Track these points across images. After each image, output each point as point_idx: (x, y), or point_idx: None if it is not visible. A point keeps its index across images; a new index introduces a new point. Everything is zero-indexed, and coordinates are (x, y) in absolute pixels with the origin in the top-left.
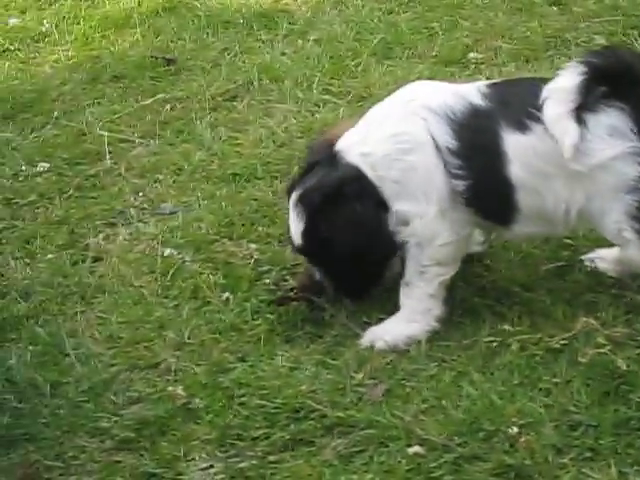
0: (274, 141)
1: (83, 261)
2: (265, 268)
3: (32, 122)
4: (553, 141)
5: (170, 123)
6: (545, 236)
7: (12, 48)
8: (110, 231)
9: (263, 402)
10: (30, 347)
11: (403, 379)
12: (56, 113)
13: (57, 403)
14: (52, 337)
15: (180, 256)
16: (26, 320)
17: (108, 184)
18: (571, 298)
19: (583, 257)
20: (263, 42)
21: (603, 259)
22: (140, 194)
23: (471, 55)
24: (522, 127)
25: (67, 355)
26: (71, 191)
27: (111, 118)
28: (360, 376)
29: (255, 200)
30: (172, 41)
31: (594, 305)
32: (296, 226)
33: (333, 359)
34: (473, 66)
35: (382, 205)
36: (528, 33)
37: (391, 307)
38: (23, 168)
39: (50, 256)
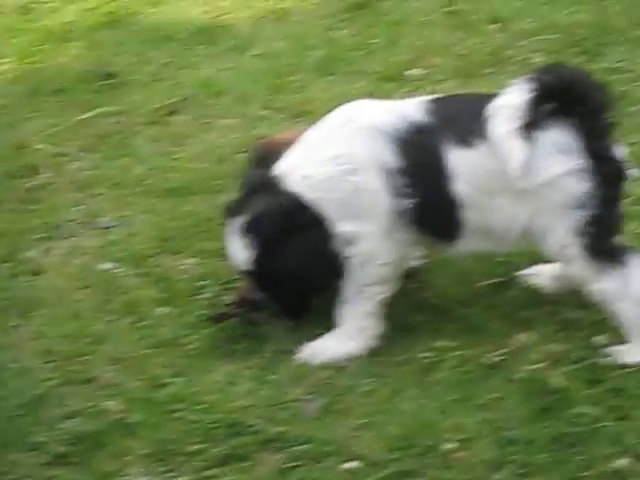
0: (213, 156)
1: (21, 274)
2: (203, 283)
3: None
4: (499, 158)
5: (109, 137)
6: (488, 253)
7: None
8: (48, 245)
9: (199, 417)
10: None
11: (339, 395)
12: None
13: None
14: None
15: (118, 270)
16: None
17: (46, 198)
18: (507, 314)
19: (519, 273)
20: (203, 57)
21: (539, 275)
22: (78, 208)
23: (410, 72)
24: (467, 144)
25: (3, 369)
26: (9, 205)
27: (50, 132)
28: (297, 391)
29: (193, 215)
30: (112, 55)
31: (529, 321)
32: (243, 252)
33: (270, 374)
34: (412, 83)
35: (329, 229)
36: (467, 50)
37: (329, 323)
38: None
39: None
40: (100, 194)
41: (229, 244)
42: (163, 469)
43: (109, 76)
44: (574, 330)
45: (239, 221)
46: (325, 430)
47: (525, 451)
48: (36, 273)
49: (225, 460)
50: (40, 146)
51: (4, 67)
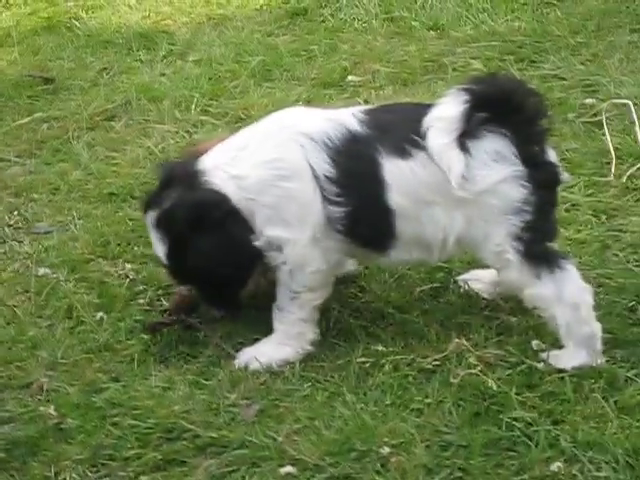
0: (151, 161)
1: None
2: (140, 288)
3: None
4: (435, 168)
5: (47, 142)
6: (419, 263)
7: None
8: None
9: (136, 422)
10: None
11: (276, 399)
12: None
13: None
14: None
15: (55, 275)
16: None
17: None
18: (444, 319)
19: (458, 278)
20: (142, 62)
21: (477, 280)
22: (15, 213)
23: (349, 78)
24: (402, 153)
25: None
26: None
27: None
28: (233, 396)
29: (131, 220)
30: (50, 60)
31: (467, 326)
32: (159, 246)
33: (207, 379)
34: (351, 89)
35: (246, 227)
36: (406, 57)
37: (265, 328)
38: None
39: None
40: (38, 199)
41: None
42: (98, 474)
43: (47, 81)
44: (510, 335)
45: (153, 214)
46: (262, 435)
47: (461, 455)
48: None
49: (162, 465)
50: None
51: None
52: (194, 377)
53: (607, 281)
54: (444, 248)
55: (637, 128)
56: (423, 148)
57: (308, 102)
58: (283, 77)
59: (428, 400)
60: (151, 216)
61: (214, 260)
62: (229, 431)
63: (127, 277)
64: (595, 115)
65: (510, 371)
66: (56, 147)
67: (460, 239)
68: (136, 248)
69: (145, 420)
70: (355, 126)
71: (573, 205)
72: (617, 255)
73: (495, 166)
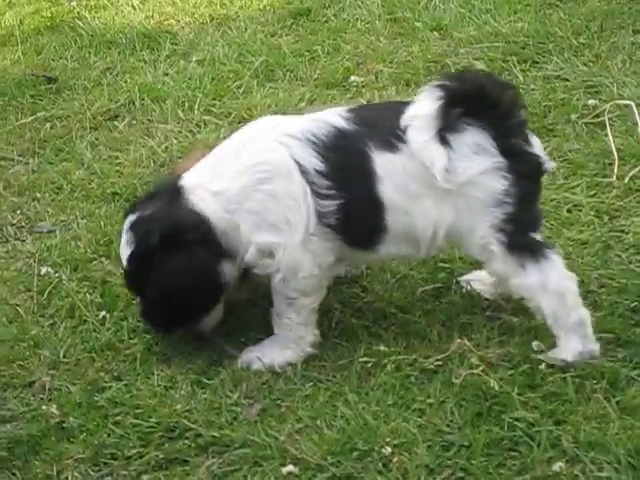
0: (154, 161)
1: None
2: None
3: None
4: (420, 163)
5: (50, 141)
6: (406, 258)
7: None
8: None
9: (138, 421)
10: None
11: (278, 399)
12: None
13: None
14: None
15: (57, 274)
16: None
17: None
18: (446, 320)
19: (459, 279)
20: (145, 62)
21: (479, 281)
22: (18, 212)
23: (352, 78)
24: (390, 147)
25: None
26: None
27: None
28: (235, 396)
29: None
30: (53, 60)
31: (469, 327)
32: (125, 249)
33: (209, 379)
34: (354, 89)
35: (217, 255)
36: (409, 58)
37: (268, 327)
38: None
39: None
40: (40, 198)
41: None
42: (100, 473)
43: (50, 80)
44: (512, 335)
45: (132, 218)
46: (264, 434)
47: (463, 455)
48: None
49: (164, 464)
50: None
51: None
52: (196, 376)
53: (609, 282)
54: (433, 242)
55: None
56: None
57: (311, 102)
58: (286, 77)
59: (430, 400)
60: (129, 219)
61: (172, 282)
62: (231, 430)
63: None
64: (598, 116)
65: (512, 371)
66: (59, 146)
67: (448, 232)
68: None
69: (147, 419)
70: (341, 123)
71: (575, 206)
72: (619, 256)
73: (476, 158)
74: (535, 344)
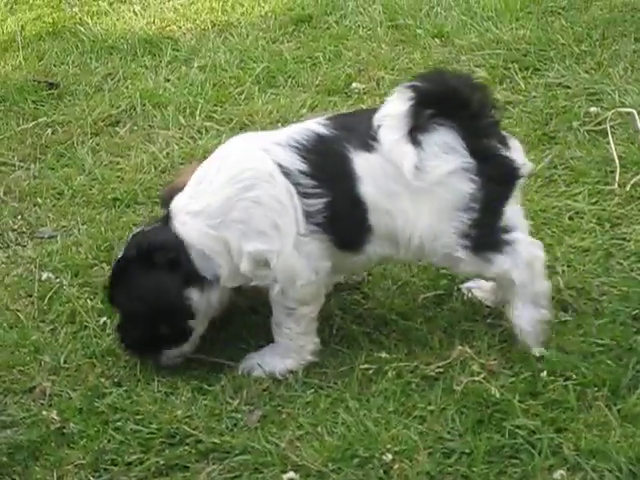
0: (156, 167)
1: None
2: None
3: None
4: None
5: (51, 147)
6: (392, 261)
7: None
8: None
9: (138, 427)
10: None
11: (279, 405)
12: None
13: None
14: None
15: (58, 280)
16: None
17: None
18: (448, 327)
19: (461, 286)
20: (147, 68)
21: (480, 288)
22: (19, 217)
23: (354, 85)
24: (368, 147)
25: None
26: None
27: None
28: (236, 402)
29: (135, 225)
30: (55, 65)
31: (470, 334)
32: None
33: (210, 385)
34: (356, 96)
35: (189, 282)
36: (411, 64)
37: (268, 333)
38: None
39: None
40: (41, 204)
41: None
42: (101, 479)
43: (52, 86)
44: (513, 343)
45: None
46: (265, 441)
47: (464, 463)
48: None
49: (164, 470)
50: None
51: None
52: (197, 382)
53: (611, 289)
54: (409, 244)
55: None
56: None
57: (312, 109)
58: (288, 84)
59: (431, 407)
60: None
61: (133, 300)
62: (232, 437)
63: None
64: (599, 124)
65: (513, 379)
66: (60, 152)
67: (420, 236)
68: None
69: (148, 425)
70: (320, 129)
71: (577, 213)
72: (621, 263)
73: (445, 157)
74: (537, 350)
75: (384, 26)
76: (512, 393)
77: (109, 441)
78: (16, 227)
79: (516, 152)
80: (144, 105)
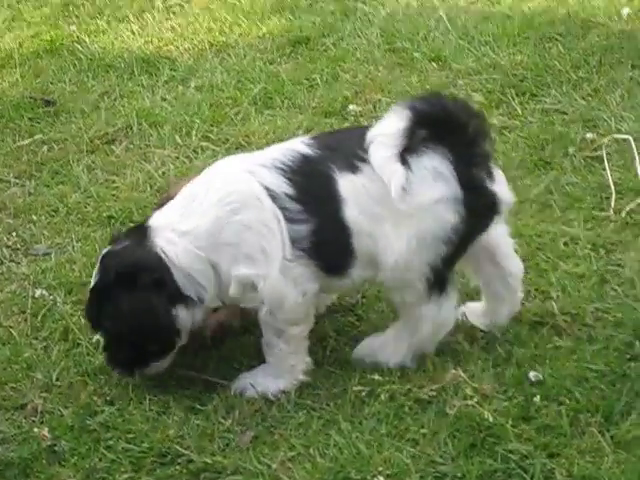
0: (151, 185)
1: None
2: None
3: None
4: (381, 182)
5: (47, 164)
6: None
7: None
8: None
9: (130, 446)
10: None
11: (271, 426)
12: None
13: None
14: None
15: (51, 297)
16: None
17: None
18: (440, 350)
19: None
20: (144, 87)
21: (473, 312)
22: (13, 234)
23: (351, 107)
24: (353, 168)
25: None
26: None
27: None
28: (228, 422)
29: None
30: (52, 83)
31: (463, 357)
32: (93, 279)
33: (202, 405)
34: (352, 118)
35: (174, 301)
36: (407, 88)
37: (261, 354)
38: None
39: None
40: (36, 221)
41: None
42: None
43: (48, 103)
44: (507, 367)
45: (105, 251)
46: (256, 461)
47: None
48: None
49: None
50: None
51: None
52: (189, 402)
53: (605, 315)
54: (387, 268)
55: (637, 163)
56: (369, 162)
57: (309, 130)
58: (284, 105)
59: (424, 430)
60: (104, 251)
61: (119, 322)
62: (223, 457)
63: None
64: (595, 150)
65: (506, 403)
66: (56, 169)
67: (397, 260)
68: None
69: (139, 444)
70: (305, 149)
71: (572, 239)
72: (615, 289)
73: (434, 184)
74: (532, 375)
75: (381, 49)
76: (505, 417)
77: (100, 459)
78: (10, 244)
79: (499, 185)
80: (140, 124)
